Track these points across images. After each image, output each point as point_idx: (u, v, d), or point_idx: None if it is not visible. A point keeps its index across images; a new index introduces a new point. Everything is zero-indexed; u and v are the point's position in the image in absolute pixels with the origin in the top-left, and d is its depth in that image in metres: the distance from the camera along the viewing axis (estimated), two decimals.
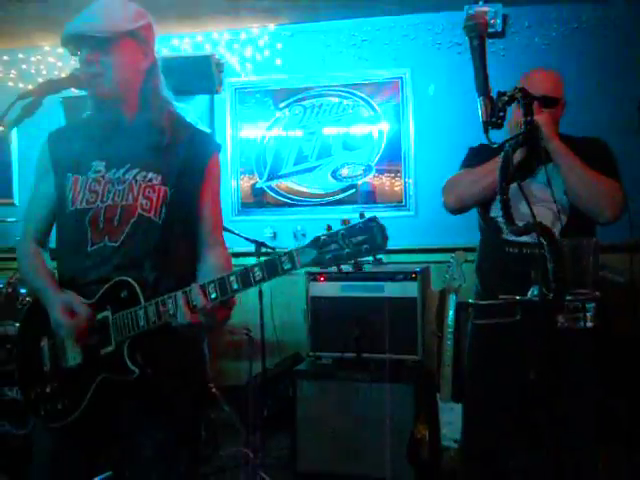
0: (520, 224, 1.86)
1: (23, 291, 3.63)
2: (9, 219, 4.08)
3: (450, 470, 2.73)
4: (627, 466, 2.88)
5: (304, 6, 4.20)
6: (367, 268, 3.55)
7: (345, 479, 3.33)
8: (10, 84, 4.81)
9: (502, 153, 1.95)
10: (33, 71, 4.80)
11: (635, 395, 3.18)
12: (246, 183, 4.64)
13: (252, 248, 3.46)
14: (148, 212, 1.65)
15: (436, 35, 4.33)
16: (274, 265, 1.43)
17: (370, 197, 4.44)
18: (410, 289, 3.44)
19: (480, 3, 3.98)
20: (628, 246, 2.01)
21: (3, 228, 4.23)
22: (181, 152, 1.69)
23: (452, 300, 2.81)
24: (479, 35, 1.62)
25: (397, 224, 3.91)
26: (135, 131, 1.69)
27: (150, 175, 1.67)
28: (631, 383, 3.15)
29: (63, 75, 1.82)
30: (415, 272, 3.47)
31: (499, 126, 1.65)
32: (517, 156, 2.12)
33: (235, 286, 1.47)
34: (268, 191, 4.61)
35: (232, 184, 4.62)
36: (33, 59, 4.82)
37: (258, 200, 4.63)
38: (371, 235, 1.37)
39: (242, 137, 4.65)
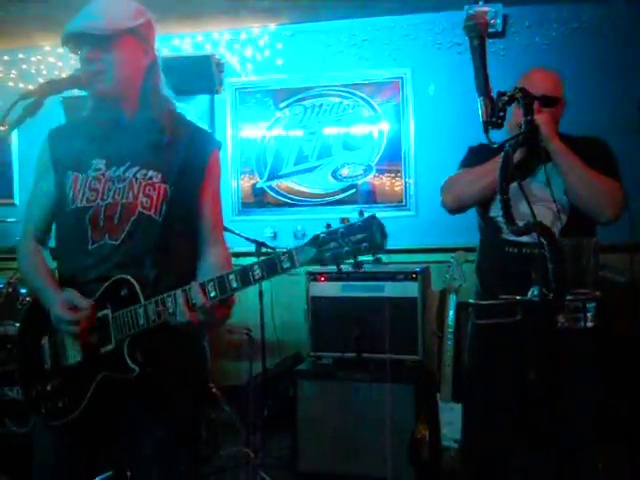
0: (520, 224, 1.86)
1: (23, 291, 3.63)
2: (9, 219, 4.08)
3: (450, 470, 2.73)
4: (627, 466, 2.88)
5: (304, 6, 4.20)
6: (367, 268, 3.56)
7: (345, 479, 3.33)
8: (10, 84, 4.82)
9: (502, 153, 1.95)
10: (33, 71, 4.81)
11: (635, 395, 3.18)
12: (246, 183, 4.64)
13: (252, 248, 3.46)
14: (148, 210, 1.65)
15: (436, 35, 4.33)
16: (273, 264, 1.43)
17: (370, 197, 4.44)
18: (410, 289, 3.44)
19: (480, 3, 3.98)
20: (628, 246, 2.01)
21: (3, 228, 4.23)
22: (181, 150, 1.69)
23: (452, 300, 2.80)
24: (479, 35, 1.62)
25: (397, 224, 3.93)
26: (135, 129, 1.69)
27: (150, 173, 1.67)
28: (631, 383, 3.15)
29: (64, 75, 1.82)
30: (415, 272, 3.47)
31: (499, 126, 1.65)
32: (517, 156, 2.12)
33: (234, 285, 1.48)
34: (268, 191, 4.61)
35: (232, 184, 4.62)
36: (33, 59, 4.82)
37: (258, 200, 4.63)
38: (370, 233, 1.37)
39: (242, 137, 4.65)
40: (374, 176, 4.43)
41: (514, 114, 2.03)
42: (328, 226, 1.42)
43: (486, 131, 1.64)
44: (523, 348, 2.12)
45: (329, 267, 1.42)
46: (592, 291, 1.93)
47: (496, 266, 2.32)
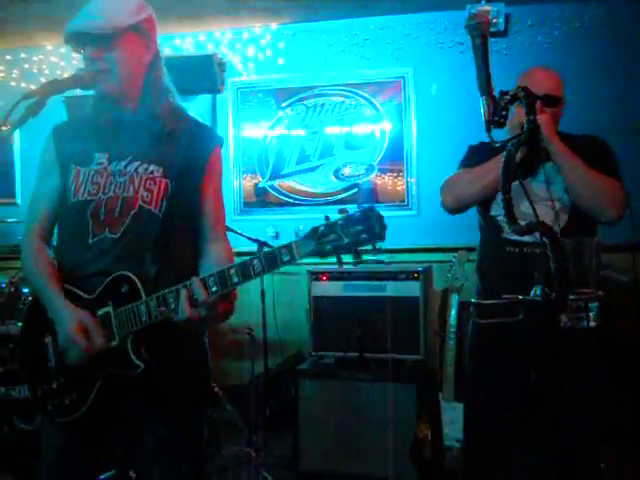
0: (522, 223, 1.86)
1: (26, 291, 3.63)
2: (11, 219, 4.09)
3: (452, 470, 2.72)
4: (631, 466, 2.87)
5: (306, 5, 4.20)
6: (368, 267, 3.56)
7: (347, 478, 3.33)
8: (13, 84, 4.83)
9: (504, 152, 1.95)
10: (35, 71, 4.81)
11: (639, 395, 3.17)
12: (248, 183, 4.64)
13: (254, 248, 3.46)
14: (149, 204, 1.65)
15: (438, 34, 4.32)
16: (273, 257, 1.45)
17: (372, 196, 4.43)
18: (412, 288, 3.44)
19: (482, 2, 3.98)
20: (631, 246, 2.01)
21: (5, 228, 4.24)
22: (183, 145, 1.69)
23: (454, 299, 2.80)
24: (481, 34, 1.61)
25: (399, 223, 3.93)
26: (137, 124, 1.69)
27: (152, 167, 1.67)
28: (635, 383, 3.15)
29: (66, 75, 1.82)
30: (417, 271, 3.46)
31: (501, 125, 1.65)
32: (518, 155, 2.11)
33: (235, 279, 1.48)
34: (270, 190, 4.61)
35: (234, 184, 4.62)
36: (35, 59, 4.83)
37: (260, 200, 4.63)
38: (369, 224, 1.37)
39: (244, 137, 4.65)
40: (376, 176, 4.43)
41: (515, 113, 2.01)
42: (327, 218, 1.42)
43: (488, 130, 1.63)
44: (525, 348, 2.11)
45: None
46: (595, 291, 1.93)
47: (497, 265, 2.32)
